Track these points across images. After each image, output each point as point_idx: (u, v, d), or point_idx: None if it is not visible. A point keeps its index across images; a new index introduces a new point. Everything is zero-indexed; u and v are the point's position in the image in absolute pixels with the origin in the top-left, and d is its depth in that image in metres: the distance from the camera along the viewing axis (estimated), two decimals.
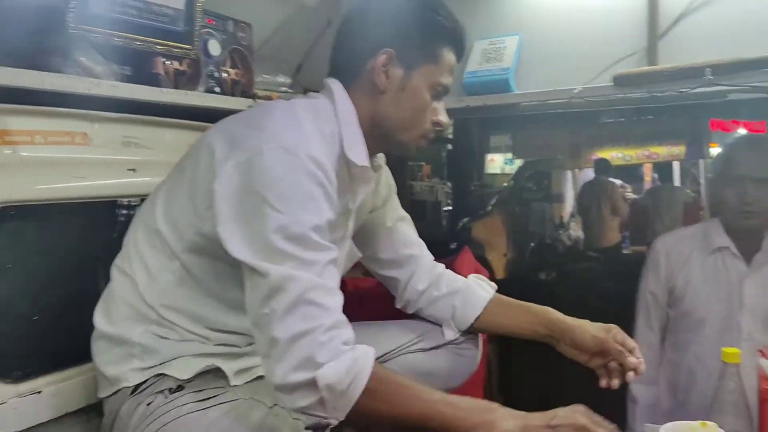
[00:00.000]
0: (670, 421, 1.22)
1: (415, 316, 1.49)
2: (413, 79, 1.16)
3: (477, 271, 1.81)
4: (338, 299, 1.01)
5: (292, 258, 0.97)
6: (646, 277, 1.89)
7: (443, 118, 1.22)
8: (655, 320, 1.86)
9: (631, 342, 1.29)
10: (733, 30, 1.62)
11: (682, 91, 1.63)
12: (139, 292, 1.13)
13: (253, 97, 1.70)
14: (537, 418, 1.04)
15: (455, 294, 1.42)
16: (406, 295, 1.44)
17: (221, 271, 1.12)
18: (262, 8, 1.87)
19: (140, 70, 1.47)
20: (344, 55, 1.21)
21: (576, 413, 1.05)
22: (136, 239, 1.17)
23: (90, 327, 1.18)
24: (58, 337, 1.28)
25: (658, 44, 1.69)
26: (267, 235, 0.98)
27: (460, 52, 1.24)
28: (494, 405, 1.05)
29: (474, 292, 1.42)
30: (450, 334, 1.41)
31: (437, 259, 2.05)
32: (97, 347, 1.17)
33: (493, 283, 1.48)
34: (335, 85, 1.19)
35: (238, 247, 1.00)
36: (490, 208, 6.31)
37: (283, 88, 1.89)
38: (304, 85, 2.01)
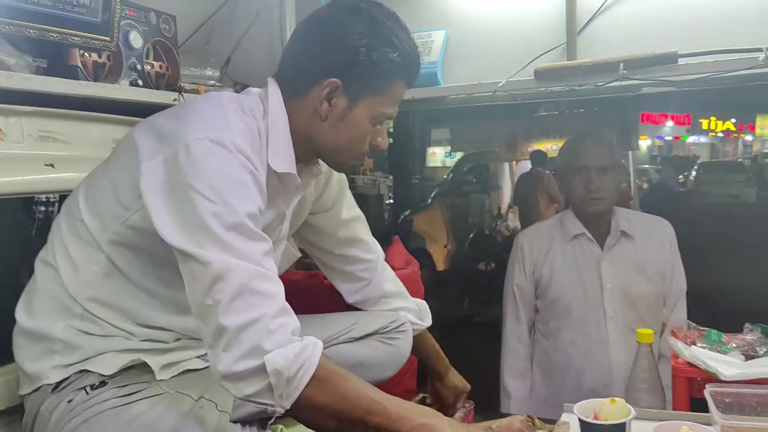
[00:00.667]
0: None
1: (347, 308, 1.52)
2: (356, 111, 1.16)
3: (407, 262, 1.85)
4: (280, 287, 1.02)
5: (231, 247, 0.98)
6: (511, 272, 2.00)
7: (382, 142, 1.22)
8: (523, 313, 1.97)
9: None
10: (645, 26, 1.70)
11: (598, 85, 1.70)
12: (63, 284, 1.11)
13: (180, 90, 1.67)
14: (478, 427, 1.11)
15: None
16: (368, 291, 1.50)
17: (148, 266, 1.11)
18: (187, 0, 1.84)
19: (56, 62, 1.42)
20: (291, 68, 1.20)
21: (515, 421, 1.12)
22: (60, 230, 1.15)
23: (10, 326, 1.15)
24: None
25: (577, 39, 1.75)
26: (203, 224, 0.97)
27: (412, 82, 1.23)
28: (439, 413, 1.10)
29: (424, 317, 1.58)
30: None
31: None
32: (18, 343, 1.14)
33: (418, 301, 1.61)
34: (272, 89, 1.18)
35: (175, 237, 0.99)
36: (430, 200, 6.40)
37: (212, 82, 1.87)
38: (234, 78, 1.99)
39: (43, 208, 1.36)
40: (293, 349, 0.97)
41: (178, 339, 1.16)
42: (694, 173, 9.65)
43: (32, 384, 1.12)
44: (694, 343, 1.45)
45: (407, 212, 5.70)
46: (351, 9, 1.16)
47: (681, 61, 1.58)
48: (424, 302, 1.61)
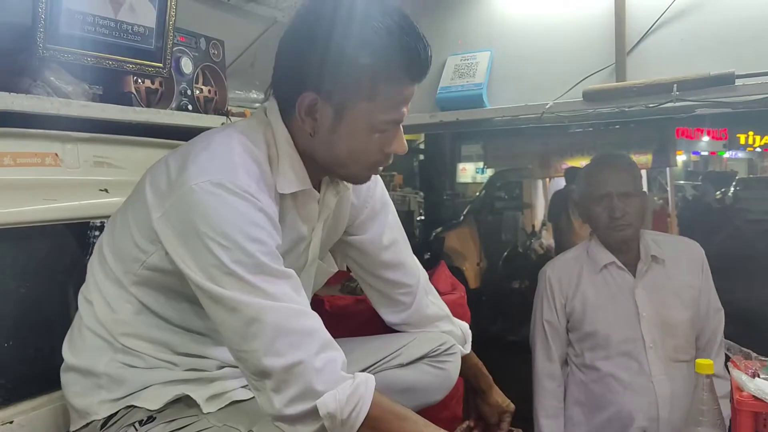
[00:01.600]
0: None
1: (392, 330, 1.49)
2: (346, 120, 1.04)
3: (453, 286, 1.83)
4: (317, 320, 1.00)
5: (258, 290, 0.95)
6: (539, 307, 1.93)
7: (399, 147, 1.10)
8: (554, 349, 1.90)
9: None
10: (698, 46, 1.66)
11: (650, 107, 1.66)
12: (101, 321, 1.11)
13: (227, 114, 1.69)
14: None
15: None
16: (408, 315, 1.45)
17: (177, 302, 1.11)
18: (234, 25, 1.86)
19: (112, 89, 1.45)
20: (278, 82, 1.11)
21: None
22: (93, 266, 1.15)
23: (61, 353, 1.15)
24: (30, 364, 1.25)
25: (627, 60, 1.72)
26: (228, 271, 0.95)
27: (415, 76, 1.06)
28: None
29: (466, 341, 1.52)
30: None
31: None
32: (66, 379, 1.15)
33: (461, 324, 1.55)
34: (271, 106, 1.12)
35: (200, 279, 0.97)
36: (462, 217, 6.35)
37: (257, 104, 1.88)
38: None
39: (97, 233, 1.38)
40: (345, 390, 0.95)
41: (222, 367, 1.14)
42: (732, 189, 9.41)
43: (81, 420, 1.11)
44: (756, 375, 1.39)
45: (439, 229, 5.66)
46: (312, 8, 1.05)
47: (738, 82, 1.54)
48: (466, 326, 1.57)
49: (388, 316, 1.47)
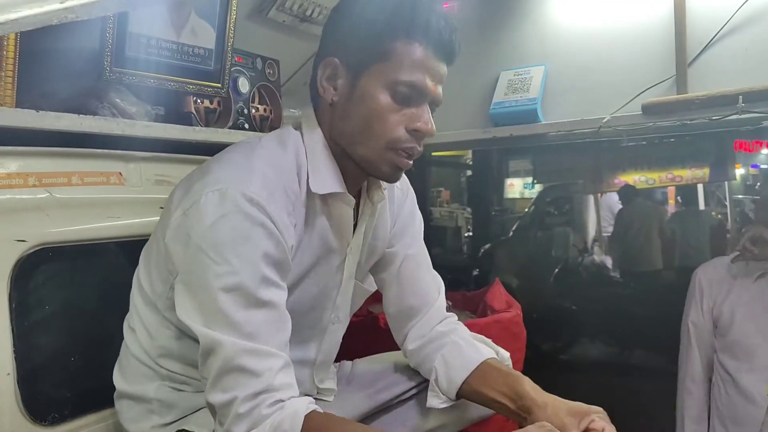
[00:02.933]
0: None
1: None
2: (362, 83, 1.01)
3: (509, 304, 1.80)
4: (273, 362, 0.92)
5: (226, 316, 0.91)
6: (687, 308, 1.85)
7: (424, 124, 1.02)
8: (698, 351, 1.81)
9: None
10: (762, 56, 1.60)
11: (713, 119, 1.61)
12: (145, 350, 1.11)
13: None
14: None
15: (438, 352, 1.23)
16: (406, 343, 1.29)
17: None
18: (288, 44, 1.89)
19: (173, 109, 1.50)
20: (311, 78, 1.11)
21: (542, 429, 0.96)
22: (133, 295, 1.15)
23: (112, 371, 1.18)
24: (94, 378, 1.28)
25: (688, 72, 1.67)
26: (208, 289, 0.92)
27: (432, 39, 1.02)
28: None
29: (462, 353, 1.20)
30: (435, 402, 1.22)
31: (464, 289, 2.03)
32: (120, 406, 1.16)
33: (498, 349, 1.28)
34: (305, 111, 1.11)
35: (181, 309, 0.97)
36: (512, 233, 6.27)
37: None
38: None
39: None
40: (264, 429, 0.89)
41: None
42: None
43: None
44: None
45: (487, 245, 5.60)
46: None
47: None
48: (505, 354, 1.31)
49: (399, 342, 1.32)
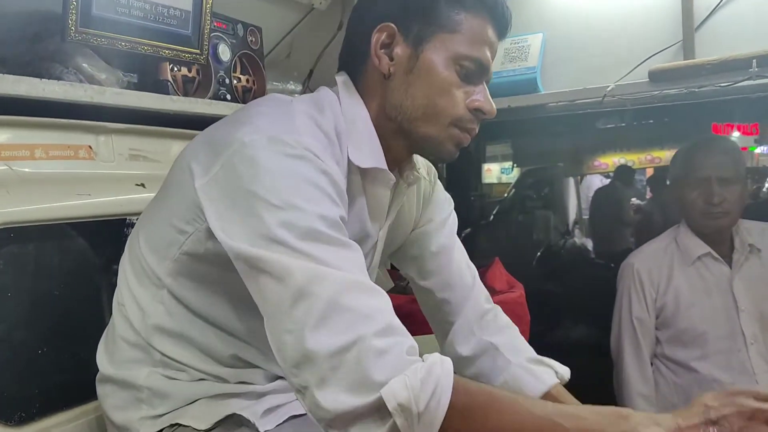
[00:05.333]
0: None
1: None
2: (425, 55, 0.93)
3: (510, 284, 1.71)
4: (383, 299, 0.78)
5: (311, 256, 0.76)
6: (625, 304, 1.79)
7: (485, 103, 0.95)
8: (646, 350, 1.76)
9: None
10: None
11: (723, 86, 1.53)
12: (134, 329, 0.98)
13: None
14: (688, 416, 0.79)
15: (500, 377, 1.16)
16: (456, 347, 1.21)
17: (215, 297, 0.96)
18: (271, 12, 1.76)
19: (147, 77, 1.36)
20: (347, 45, 1.02)
21: (735, 397, 0.80)
22: (124, 267, 1.02)
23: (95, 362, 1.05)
24: (65, 372, 1.16)
25: (695, 36, 1.59)
26: (273, 236, 0.77)
27: (497, 18, 0.96)
28: (627, 410, 0.80)
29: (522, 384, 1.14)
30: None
31: None
32: (103, 390, 1.03)
33: (559, 366, 1.18)
34: (340, 78, 1.00)
35: (240, 247, 0.79)
36: (492, 217, 6.23)
37: (296, 95, 1.78)
38: None
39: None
40: (417, 374, 0.72)
41: (275, 379, 1.01)
42: (767, 185, 9.18)
43: None
44: None
45: (468, 230, 5.54)
46: None
47: None
48: (565, 370, 1.19)
49: (441, 339, 1.26)
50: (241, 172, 0.81)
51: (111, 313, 1.05)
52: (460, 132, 0.96)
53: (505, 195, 6.82)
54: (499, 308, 1.25)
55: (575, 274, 4.71)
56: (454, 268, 1.21)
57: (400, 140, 0.99)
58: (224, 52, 1.51)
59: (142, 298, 0.97)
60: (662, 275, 1.74)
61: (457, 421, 0.73)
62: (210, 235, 0.86)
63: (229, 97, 1.52)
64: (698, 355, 1.67)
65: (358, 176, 0.96)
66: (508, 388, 1.13)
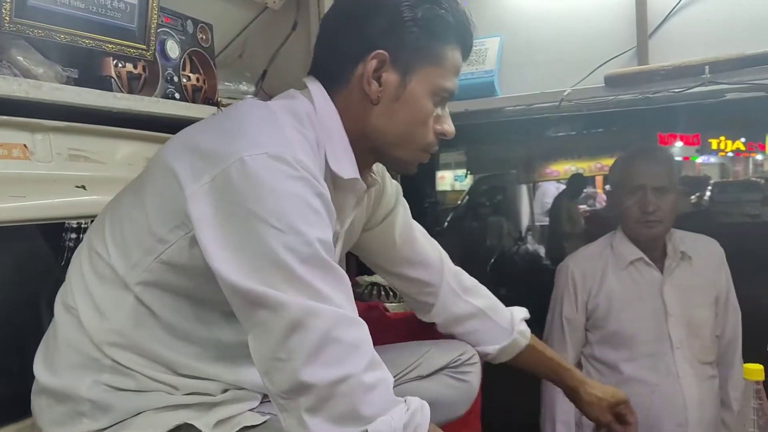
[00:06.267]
0: None
1: (408, 339, 1.37)
2: (411, 86, 0.98)
3: None
4: (365, 332, 0.84)
5: (309, 286, 0.80)
6: (557, 304, 1.82)
7: (449, 127, 1.04)
8: (571, 349, 1.79)
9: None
10: (725, 26, 1.56)
11: (676, 92, 1.55)
12: (87, 333, 0.92)
13: (218, 104, 1.53)
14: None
15: (486, 321, 1.35)
16: (435, 314, 1.34)
17: (186, 308, 0.93)
18: (223, 9, 1.71)
19: (89, 72, 1.28)
20: (327, 56, 1.02)
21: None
22: (80, 268, 0.97)
23: (29, 373, 0.98)
24: None
25: (649, 42, 1.61)
26: (275, 260, 0.79)
27: (467, 50, 1.05)
28: None
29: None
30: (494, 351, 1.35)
31: None
32: (38, 404, 0.96)
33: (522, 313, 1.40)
34: (314, 86, 1.00)
35: (237, 276, 0.80)
36: (446, 224, 6.26)
37: (248, 96, 1.72)
38: (269, 93, 1.85)
39: (74, 235, 1.20)
40: (400, 417, 0.80)
41: (226, 390, 0.98)
42: (708, 194, 9.53)
43: None
44: None
45: None
46: None
47: None
48: (518, 312, 1.40)
49: (420, 317, 1.37)
50: (240, 189, 0.81)
51: (50, 320, 0.98)
52: (425, 155, 1.05)
53: (459, 202, 6.88)
54: (460, 269, 1.37)
55: (528, 280, 4.75)
56: (419, 248, 1.29)
57: (370, 155, 1.04)
58: (173, 49, 1.44)
59: (102, 300, 0.93)
60: (595, 278, 1.76)
61: None
62: (193, 243, 0.85)
63: (178, 95, 1.45)
64: (626, 356, 1.69)
65: (332, 181, 0.98)
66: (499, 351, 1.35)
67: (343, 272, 0.86)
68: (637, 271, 1.73)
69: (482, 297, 1.37)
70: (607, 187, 1.91)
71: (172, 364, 0.94)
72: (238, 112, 0.95)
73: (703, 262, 1.73)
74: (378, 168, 1.18)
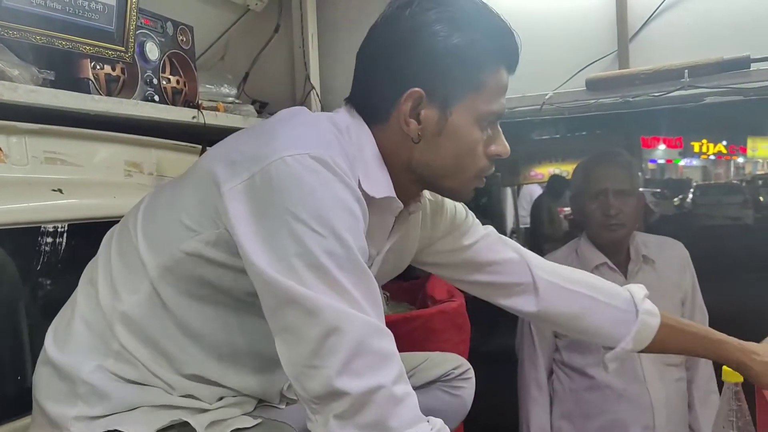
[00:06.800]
0: None
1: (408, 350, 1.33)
2: (453, 118, 0.94)
3: (450, 293, 1.69)
4: (393, 343, 0.82)
5: (346, 292, 0.78)
6: None
7: (503, 148, 0.98)
8: (541, 356, 1.80)
9: None
10: (704, 30, 1.57)
11: (655, 95, 1.56)
12: (102, 309, 0.93)
13: (198, 107, 1.51)
14: None
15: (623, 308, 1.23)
16: (543, 310, 1.22)
17: (198, 303, 0.92)
18: (204, 11, 1.69)
19: (66, 74, 1.26)
20: (364, 93, 0.99)
21: None
22: (110, 245, 0.98)
23: (11, 379, 0.96)
24: None
25: (629, 46, 1.62)
26: (314, 263, 0.78)
27: (512, 65, 0.99)
28: None
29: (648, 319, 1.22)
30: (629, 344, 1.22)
31: (394, 282, 1.92)
32: (40, 374, 0.95)
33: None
34: (350, 111, 0.99)
35: (273, 273, 0.79)
36: None
37: (230, 99, 1.71)
38: (251, 96, 1.84)
39: (50, 240, 1.18)
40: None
41: (221, 398, 0.97)
42: (690, 196, 9.64)
43: (50, 429, 0.93)
44: None
45: None
46: (406, 2, 0.95)
47: (753, 66, 1.45)
48: (638, 287, 1.28)
49: (538, 325, 1.40)
50: (279, 188, 0.80)
51: (25, 326, 0.96)
52: (480, 181, 1.00)
53: None
54: (555, 263, 1.27)
55: None
56: (493, 250, 1.22)
57: (416, 185, 1.01)
58: (152, 51, 1.43)
59: (120, 280, 0.93)
60: None
61: None
62: (220, 241, 0.85)
63: (157, 98, 1.43)
64: (593, 361, 1.70)
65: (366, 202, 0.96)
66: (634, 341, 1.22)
67: (375, 281, 0.84)
68: (601, 275, 1.73)
69: (589, 282, 1.27)
70: (569, 192, 1.91)
71: (176, 361, 0.93)
72: (279, 115, 0.96)
73: (666, 265, 1.75)
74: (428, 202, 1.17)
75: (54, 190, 1.21)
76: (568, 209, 6.10)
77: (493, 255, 1.21)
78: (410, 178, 0.99)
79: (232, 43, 1.84)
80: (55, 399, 0.92)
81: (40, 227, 1.18)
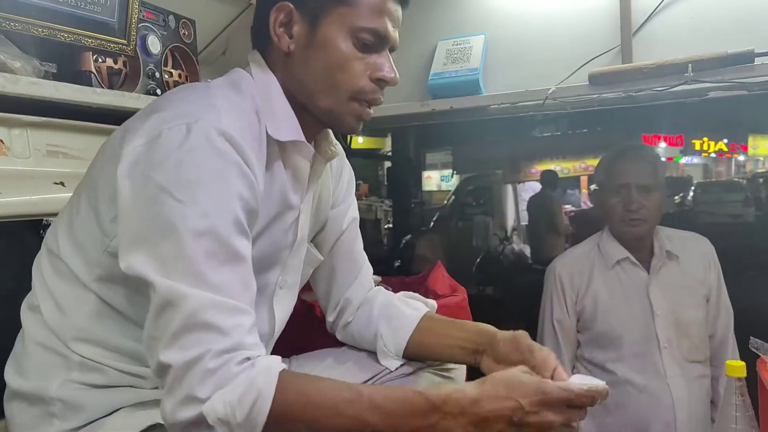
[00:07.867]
0: None
1: None
2: (321, 30, 0.94)
3: (453, 288, 1.68)
4: (244, 319, 0.81)
5: (188, 267, 0.78)
6: (548, 306, 1.82)
7: (388, 72, 0.97)
8: (565, 351, 1.79)
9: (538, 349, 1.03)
10: (707, 24, 1.56)
11: (659, 90, 1.55)
12: (52, 330, 0.92)
13: None
14: (493, 405, 0.81)
15: (380, 318, 1.19)
16: (338, 313, 1.22)
17: (138, 298, 0.90)
18: (206, 5, 1.68)
19: (67, 67, 1.27)
20: (256, 20, 1.02)
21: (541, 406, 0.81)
22: (41, 269, 0.96)
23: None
24: None
25: (632, 41, 1.61)
26: (165, 228, 0.79)
27: None
28: (441, 397, 0.82)
29: (401, 313, 1.18)
30: (391, 363, 1.17)
31: (395, 277, 1.91)
32: (10, 410, 0.95)
33: (428, 301, 1.25)
34: (253, 57, 1.00)
35: (128, 254, 0.81)
36: (432, 224, 6.26)
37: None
38: None
39: None
40: (237, 389, 0.76)
41: None
42: (691, 194, 9.61)
43: None
44: None
45: (408, 236, 5.55)
46: None
47: (757, 61, 1.44)
48: (434, 303, 1.26)
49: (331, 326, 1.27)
50: (153, 162, 0.81)
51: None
52: (360, 105, 0.98)
53: (445, 202, 6.90)
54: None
55: (514, 279, 4.76)
56: (357, 247, 1.24)
57: (308, 114, 1.00)
58: (154, 44, 1.43)
59: (63, 298, 0.93)
60: (583, 279, 1.76)
61: (278, 422, 0.78)
62: None
63: (159, 92, 1.43)
64: (614, 357, 1.70)
65: (277, 150, 0.97)
66: (389, 320, 1.17)
67: (243, 253, 0.84)
68: (623, 271, 1.73)
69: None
70: (593, 186, 1.89)
71: (138, 354, 0.93)
72: (174, 90, 0.98)
73: (691, 261, 1.73)
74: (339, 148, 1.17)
75: (56, 183, 1.21)
76: (569, 206, 6.11)
77: (357, 257, 1.23)
78: (299, 105, 0.99)
79: (234, 37, 1.83)
80: (31, 426, 0.92)
81: (42, 220, 1.18)
